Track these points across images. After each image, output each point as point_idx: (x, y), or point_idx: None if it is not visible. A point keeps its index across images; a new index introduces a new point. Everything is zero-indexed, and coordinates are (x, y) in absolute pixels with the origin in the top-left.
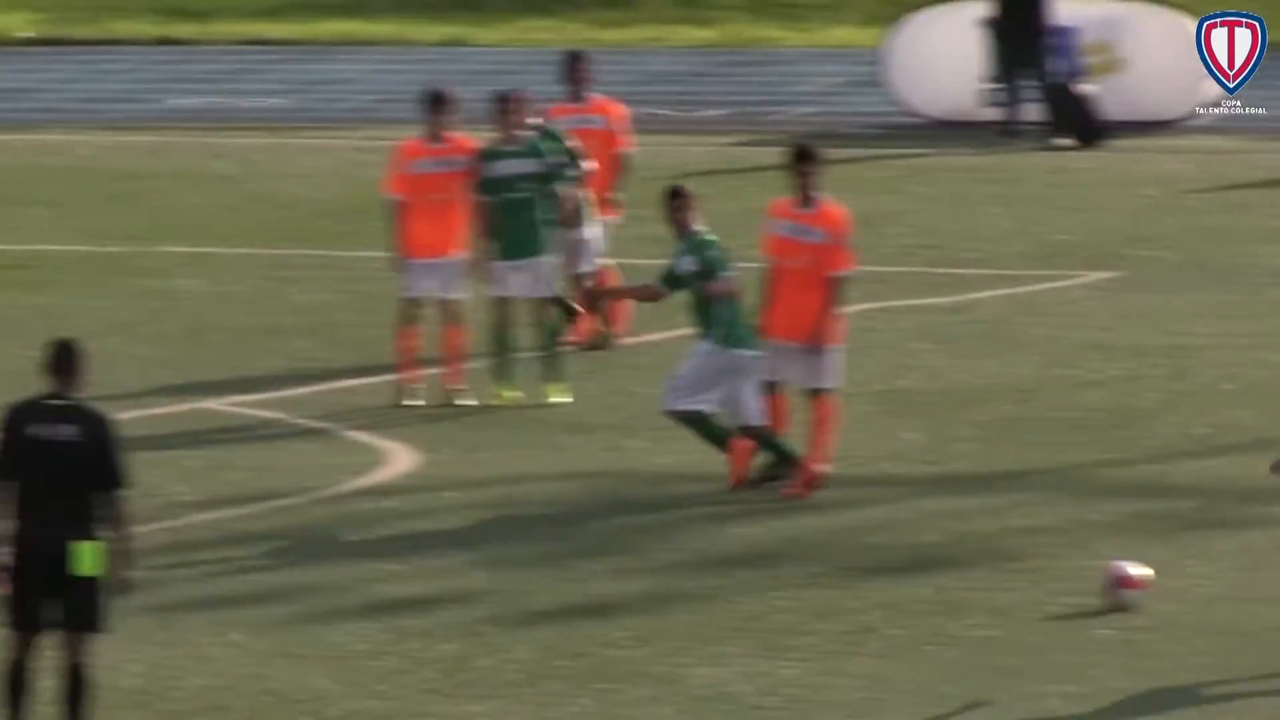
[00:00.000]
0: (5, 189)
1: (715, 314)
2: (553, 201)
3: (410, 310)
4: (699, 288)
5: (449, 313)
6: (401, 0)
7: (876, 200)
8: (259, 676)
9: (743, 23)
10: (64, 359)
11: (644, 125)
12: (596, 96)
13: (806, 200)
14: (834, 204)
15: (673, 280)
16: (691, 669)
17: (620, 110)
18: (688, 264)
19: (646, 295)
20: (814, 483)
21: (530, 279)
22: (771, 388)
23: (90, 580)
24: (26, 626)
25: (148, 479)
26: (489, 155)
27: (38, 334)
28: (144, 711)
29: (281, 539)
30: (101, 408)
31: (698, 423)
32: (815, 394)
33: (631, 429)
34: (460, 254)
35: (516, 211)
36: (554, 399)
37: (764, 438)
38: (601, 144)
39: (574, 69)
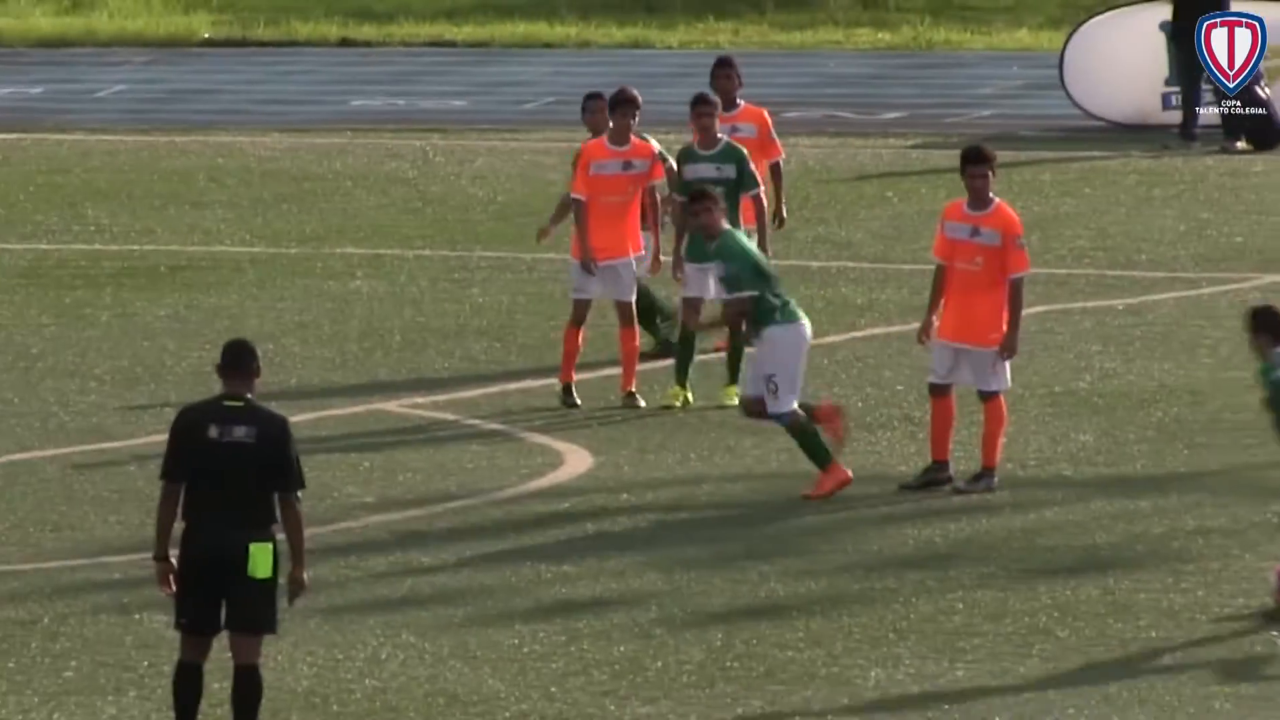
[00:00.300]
0: (184, 190)
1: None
2: (736, 207)
3: (581, 311)
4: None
5: (623, 315)
6: (584, 2)
7: (1054, 203)
8: (431, 678)
9: (923, 25)
10: (239, 360)
11: (823, 127)
12: (745, 104)
13: (980, 202)
14: (1007, 206)
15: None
16: (863, 670)
17: (767, 118)
18: (720, 269)
19: (737, 313)
20: (838, 485)
21: (715, 281)
22: (945, 390)
23: (263, 582)
24: (198, 628)
25: (322, 480)
26: (685, 157)
27: (215, 335)
28: (315, 713)
29: (456, 541)
30: (277, 409)
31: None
32: (985, 396)
33: None
34: (634, 257)
35: None
36: (731, 401)
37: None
38: (754, 153)
39: (722, 77)
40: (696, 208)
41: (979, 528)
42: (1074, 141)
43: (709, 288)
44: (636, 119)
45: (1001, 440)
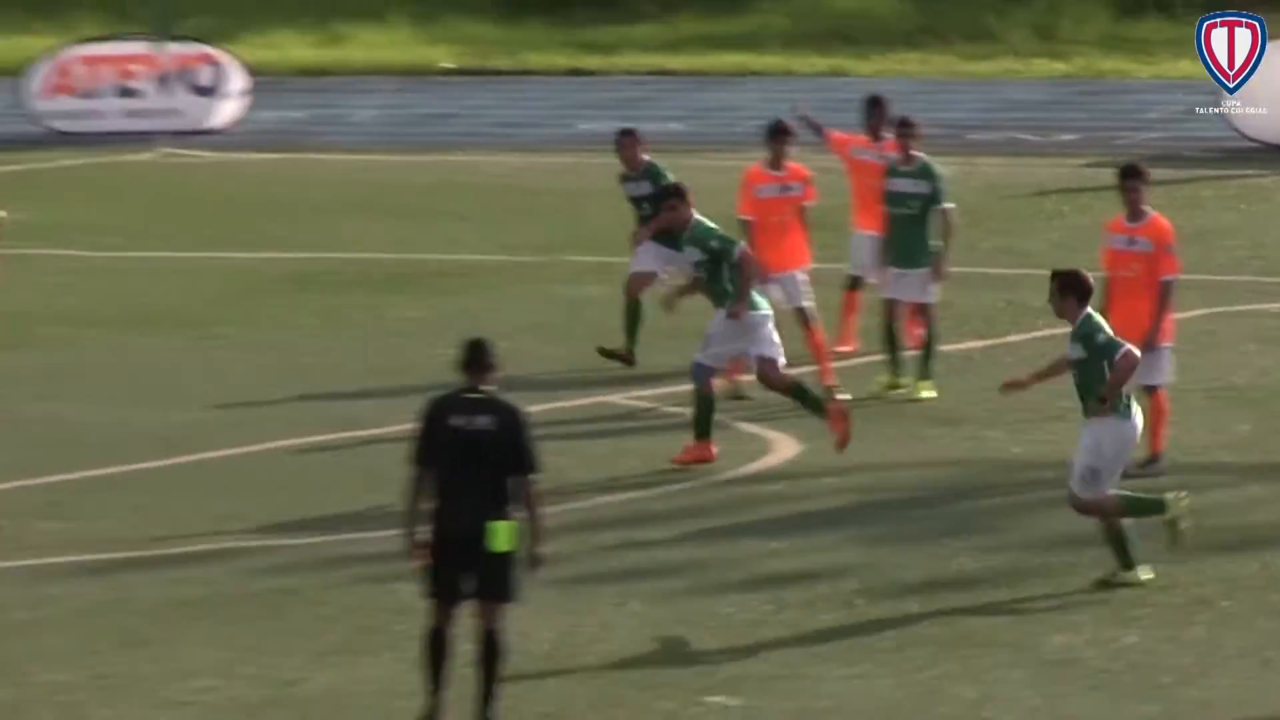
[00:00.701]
0: (428, 204)
1: (729, 286)
2: (934, 220)
3: None
4: (711, 269)
5: (804, 318)
6: (789, 35)
7: (1215, 217)
8: (656, 641)
9: (1095, 56)
10: (478, 356)
11: (1004, 148)
12: (891, 139)
13: (1136, 214)
14: (1161, 216)
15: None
16: (1044, 636)
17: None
18: (692, 255)
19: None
20: (842, 420)
21: (914, 285)
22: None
23: (504, 555)
24: (446, 597)
25: (556, 465)
26: (889, 172)
27: (458, 334)
28: (552, 674)
29: (676, 520)
30: (514, 400)
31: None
32: (1150, 389)
33: (991, 422)
34: (802, 268)
35: (906, 225)
36: (923, 395)
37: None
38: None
39: (873, 113)
40: (670, 203)
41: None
42: (1232, 161)
43: (909, 290)
44: (791, 146)
45: (1165, 430)
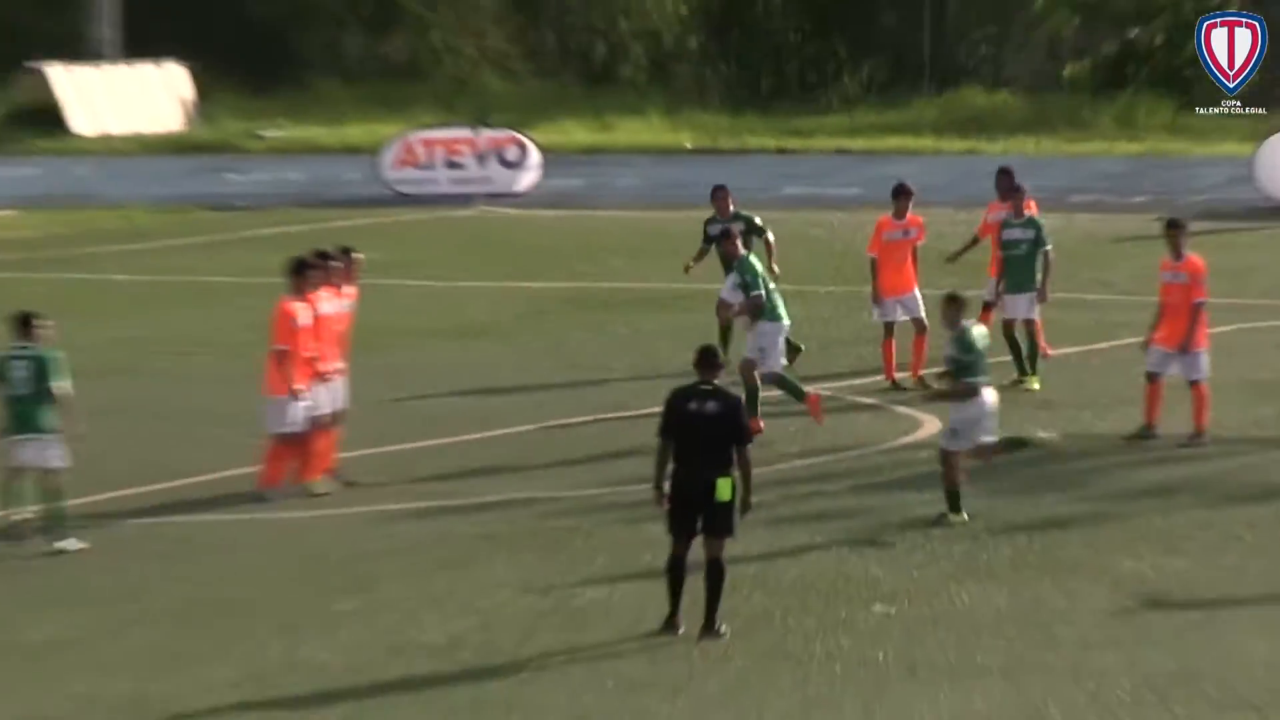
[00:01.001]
0: (672, 246)
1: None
2: (1039, 259)
3: (889, 329)
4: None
5: (919, 326)
6: (938, 123)
7: (1247, 257)
8: (834, 566)
9: (1162, 139)
10: (708, 358)
11: (1094, 207)
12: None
13: (1178, 255)
14: (1196, 256)
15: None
16: (1119, 562)
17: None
18: (733, 279)
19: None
20: (816, 406)
21: (1024, 304)
22: (1156, 377)
23: (726, 503)
24: (683, 534)
25: (765, 437)
26: (1005, 225)
27: (694, 342)
28: (759, 589)
29: (853, 477)
30: (733, 391)
31: (781, 382)
32: (1192, 383)
33: (1083, 406)
34: (916, 289)
35: (1018, 263)
36: (1033, 386)
37: (781, 380)
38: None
39: (1002, 179)
40: (727, 243)
41: (1197, 470)
42: (1260, 217)
43: (1020, 309)
44: (911, 202)
45: (1208, 413)
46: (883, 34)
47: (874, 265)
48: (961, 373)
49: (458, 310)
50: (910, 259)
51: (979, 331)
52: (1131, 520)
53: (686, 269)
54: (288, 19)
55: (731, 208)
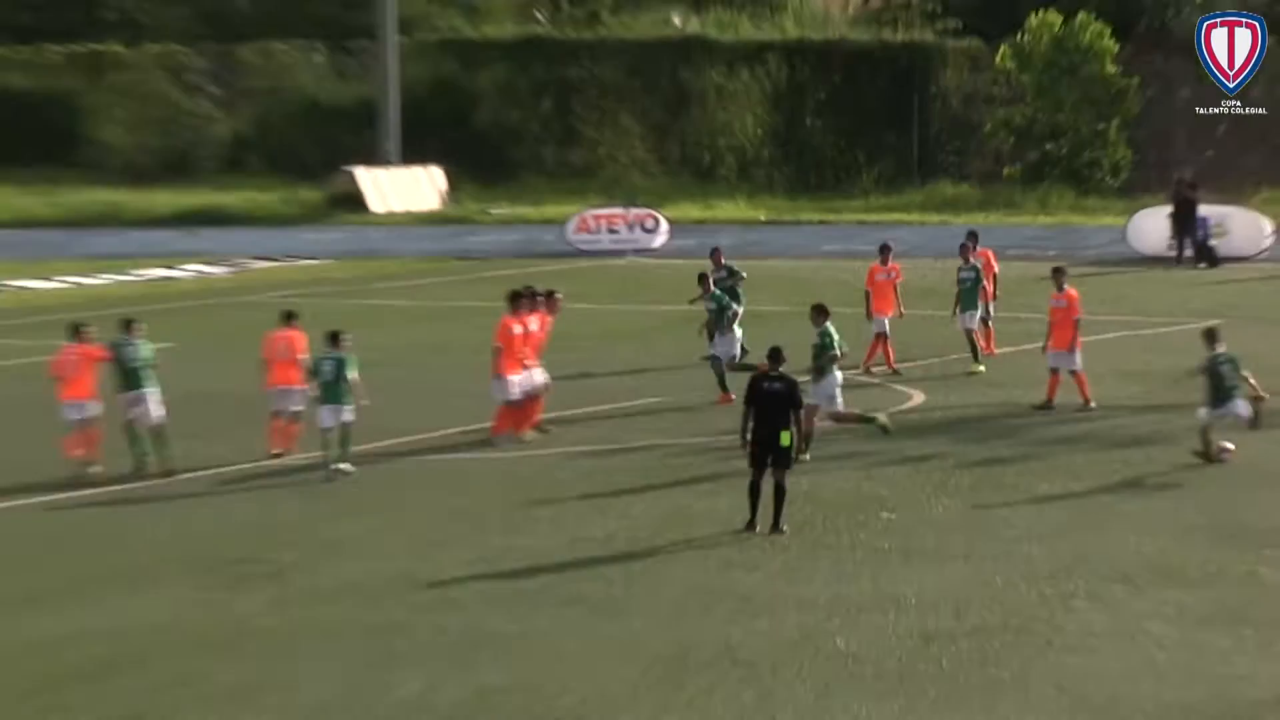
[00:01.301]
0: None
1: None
2: (980, 290)
3: (877, 337)
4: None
5: (970, 342)
6: (924, 204)
7: (1121, 289)
8: (857, 487)
9: (1067, 214)
10: (777, 354)
11: (1023, 257)
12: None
13: (1059, 288)
14: (1073, 289)
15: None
16: (1040, 486)
17: (991, 257)
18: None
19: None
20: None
21: (971, 319)
22: (1055, 371)
23: (787, 448)
24: (758, 466)
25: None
26: (959, 269)
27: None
28: (808, 504)
29: (865, 432)
30: (792, 375)
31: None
32: (1072, 373)
33: (1015, 386)
34: (892, 314)
35: (967, 293)
36: (977, 370)
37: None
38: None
39: (968, 239)
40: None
41: (1090, 428)
42: (1131, 264)
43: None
44: (891, 255)
45: (1088, 389)
46: (887, 147)
47: (867, 296)
48: (819, 357)
49: (616, 323)
50: (892, 292)
51: (833, 330)
52: (1048, 459)
53: (691, 302)
54: (508, 137)
55: (723, 260)
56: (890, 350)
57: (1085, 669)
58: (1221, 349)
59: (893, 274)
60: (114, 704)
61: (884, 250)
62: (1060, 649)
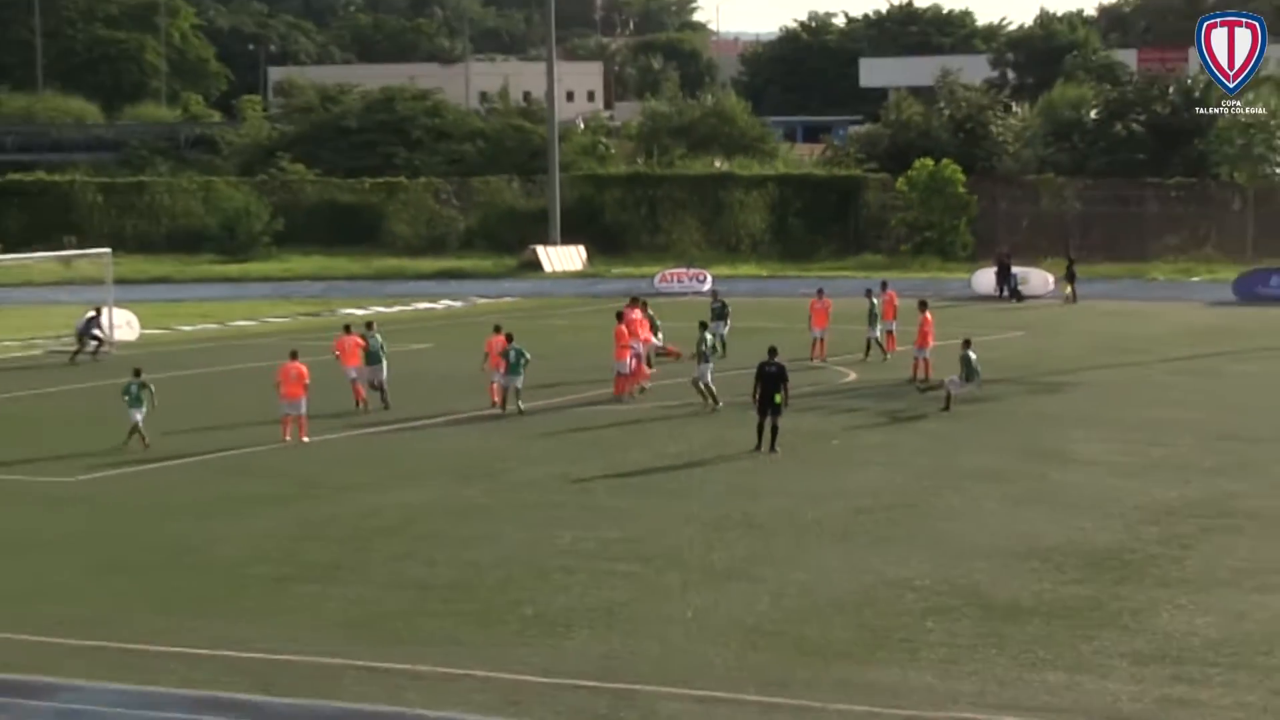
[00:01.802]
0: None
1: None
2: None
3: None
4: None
5: (820, 344)
6: (860, 265)
7: (964, 315)
8: (817, 425)
9: (937, 272)
10: (774, 350)
11: (909, 297)
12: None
13: (922, 308)
14: (929, 313)
15: None
16: (929, 426)
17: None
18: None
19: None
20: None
21: (877, 331)
22: (918, 360)
23: (779, 404)
24: (762, 414)
25: (814, 379)
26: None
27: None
28: (789, 434)
29: (824, 394)
30: (784, 361)
31: None
32: (924, 359)
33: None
34: (826, 328)
35: (871, 315)
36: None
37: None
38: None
39: (881, 287)
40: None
41: (937, 394)
42: (970, 300)
43: None
44: (885, 289)
45: (931, 373)
46: (834, 234)
47: (809, 316)
48: (700, 351)
49: (681, 334)
50: (825, 315)
51: (710, 334)
52: (924, 408)
53: (703, 325)
54: (621, 229)
55: (717, 294)
56: (823, 349)
57: (949, 530)
58: (971, 351)
59: (826, 305)
60: (401, 547)
61: (820, 291)
62: (934, 518)
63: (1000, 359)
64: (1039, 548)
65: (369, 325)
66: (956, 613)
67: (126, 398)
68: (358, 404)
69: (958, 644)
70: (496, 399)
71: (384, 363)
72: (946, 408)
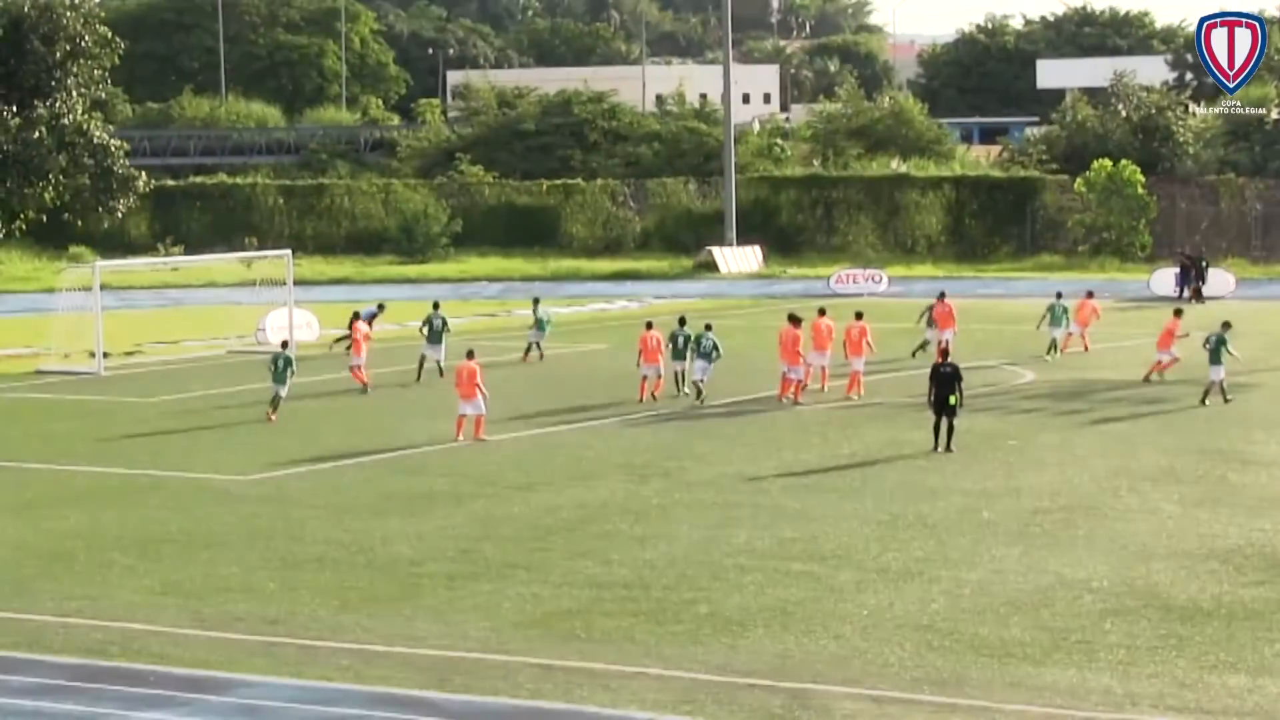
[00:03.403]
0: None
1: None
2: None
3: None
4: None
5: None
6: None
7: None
8: (1004, 430)
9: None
10: (945, 351)
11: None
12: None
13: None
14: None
15: None
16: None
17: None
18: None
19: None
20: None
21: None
22: (1157, 361)
23: (954, 406)
24: (938, 414)
25: (990, 379)
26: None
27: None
28: (967, 435)
29: (1006, 397)
30: (957, 363)
31: None
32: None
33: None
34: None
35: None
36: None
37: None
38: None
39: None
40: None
41: (1127, 393)
42: (1145, 305)
43: None
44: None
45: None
46: (1011, 235)
47: (930, 316)
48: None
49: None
50: (951, 317)
51: (684, 333)
52: (1106, 410)
53: (707, 327)
54: (797, 230)
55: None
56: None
57: (1127, 530)
58: (1227, 331)
59: (948, 308)
60: (577, 545)
61: (941, 294)
62: (1112, 519)
63: (1180, 359)
64: (1219, 549)
65: (435, 306)
66: (1135, 614)
67: (273, 369)
68: (643, 398)
69: (1136, 645)
70: (643, 394)
71: (444, 344)
72: (1225, 399)
